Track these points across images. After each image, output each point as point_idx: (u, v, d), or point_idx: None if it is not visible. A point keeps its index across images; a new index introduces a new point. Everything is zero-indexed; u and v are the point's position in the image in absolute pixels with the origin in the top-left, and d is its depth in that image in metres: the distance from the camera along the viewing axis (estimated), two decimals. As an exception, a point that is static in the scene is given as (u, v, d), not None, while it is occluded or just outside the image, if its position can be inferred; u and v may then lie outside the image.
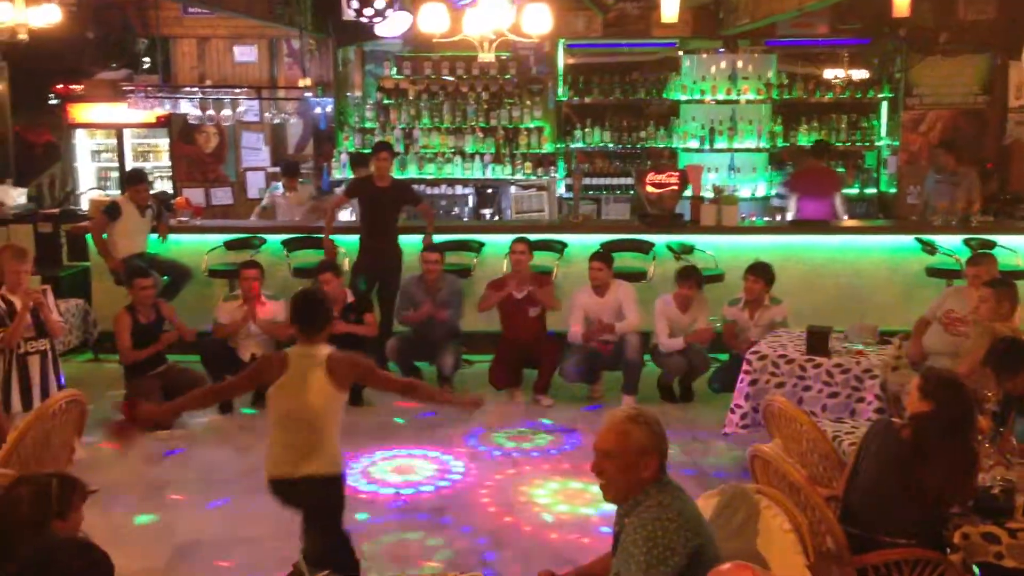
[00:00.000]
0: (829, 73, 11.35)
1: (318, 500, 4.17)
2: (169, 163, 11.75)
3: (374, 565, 4.93)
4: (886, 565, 3.49)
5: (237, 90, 10.46)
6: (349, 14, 7.79)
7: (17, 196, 10.69)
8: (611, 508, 3.26)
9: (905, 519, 3.54)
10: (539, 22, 5.93)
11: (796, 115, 11.30)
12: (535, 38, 6.18)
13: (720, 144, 11.16)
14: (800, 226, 9.27)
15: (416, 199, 8.74)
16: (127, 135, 11.84)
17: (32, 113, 12.26)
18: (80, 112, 11.66)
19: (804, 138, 11.19)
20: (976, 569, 3.84)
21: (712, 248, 8.84)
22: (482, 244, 8.91)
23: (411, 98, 11.12)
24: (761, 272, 7.05)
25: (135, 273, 7.39)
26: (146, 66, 11.73)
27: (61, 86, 11.98)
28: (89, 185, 11.96)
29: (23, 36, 8.88)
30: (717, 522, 3.28)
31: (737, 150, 11.15)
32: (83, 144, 12.09)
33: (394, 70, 11.13)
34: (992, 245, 8.25)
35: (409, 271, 8.33)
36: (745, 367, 6.10)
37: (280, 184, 10.03)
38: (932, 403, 3.61)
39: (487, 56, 6.00)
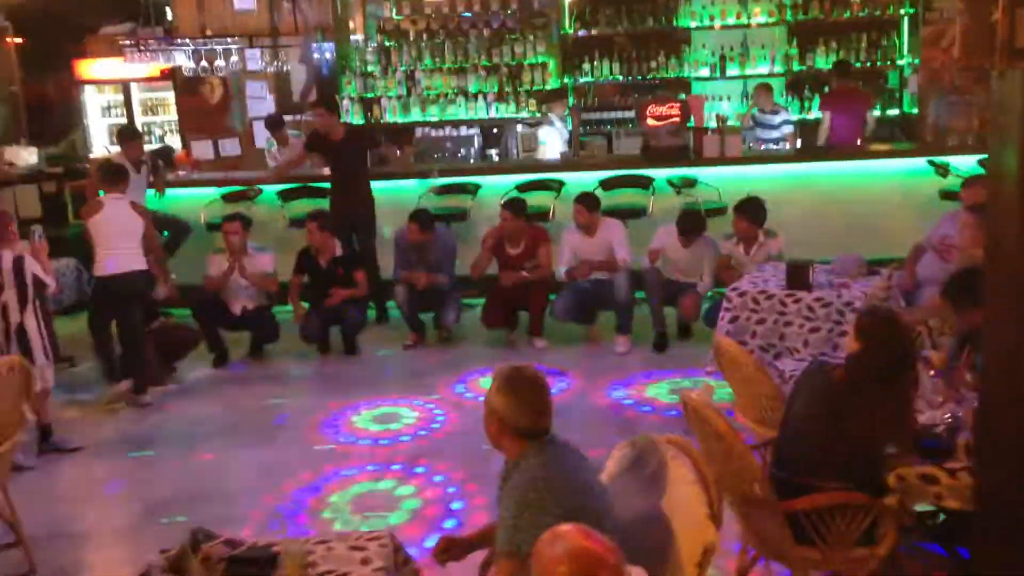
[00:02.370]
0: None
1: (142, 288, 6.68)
2: (179, 116, 11.73)
3: (338, 515, 4.94)
4: (817, 511, 3.35)
5: (231, 40, 10.33)
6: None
7: (28, 156, 10.79)
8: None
9: (837, 463, 3.39)
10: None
11: (813, 37, 10.85)
12: None
13: (733, 71, 10.80)
14: (806, 153, 8.95)
15: (373, 144, 8.56)
16: (135, 90, 11.85)
17: (43, 72, 12.33)
18: (87, 69, 11.67)
19: (822, 61, 10.75)
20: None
21: (716, 180, 8.57)
22: (478, 187, 8.76)
23: (412, 39, 10.91)
24: (746, 210, 6.82)
25: None
26: (151, 20, 11.64)
27: (70, 43, 12.00)
28: (103, 142, 12.02)
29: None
30: (628, 476, 3.18)
31: (750, 76, 10.78)
32: (94, 101, 12.13)
33: (393, 10, 10.93)
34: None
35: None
36: (725, 304, 5.94)
37: (273, 140, 9.93)
38: (864, 343, 3.43)
39: None
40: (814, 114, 10.48)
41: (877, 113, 10.63)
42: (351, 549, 3.07)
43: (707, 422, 3.40)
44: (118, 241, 6.55)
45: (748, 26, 10.68)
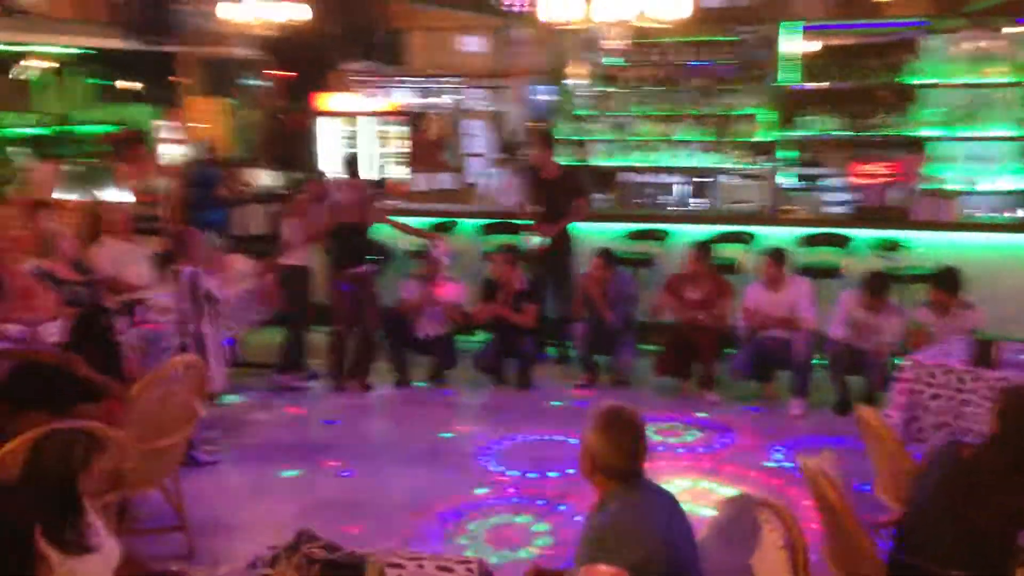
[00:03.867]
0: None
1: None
2: (406, 149, 12.42)
3: (473, 543, 5.06)
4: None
5: (451, 79, 10.89)
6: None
7: (266, 178, 11.77)
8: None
9: (961, 551, 3.13)
10: (673, 6, 5.71)
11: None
12: (667, 23, 5.95)
13: (964, 132, 10.16)
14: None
15: (577, 193, 8.48)
16: (371, 123, 12.67)
17: (292, 101, 13.46)
18: (326, 101, 12.61)
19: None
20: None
21: (929, 245, 8.09)
22: (670, 234, 8.73)
23: (627, 85, 11.05)
24: (940, 279, 6.39)
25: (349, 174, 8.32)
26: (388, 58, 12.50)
27: (316, 76, 13.05)
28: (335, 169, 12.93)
29: (270, 31, 9.81)
30: (724, 533, 3.11)
31: (983, 139, 10.09)
32: (332, 131, 13.06)
33: (613, 58, 11.10)
34: None
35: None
36: (900, 374, 5.59)
37: (496, 170, 10.35)
38: (1003, 424, 3.16)
39: (614, 43, 5.87)
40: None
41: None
42: (439, 569, 3.18)
43: (819, 491, 3.25)
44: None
45: (984, 86, 10.02)
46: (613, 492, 2.94)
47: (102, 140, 14.40)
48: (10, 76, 13.64)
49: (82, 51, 13.28)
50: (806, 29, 10.80)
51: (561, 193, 8.26)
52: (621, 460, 2.94)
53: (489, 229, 9.09)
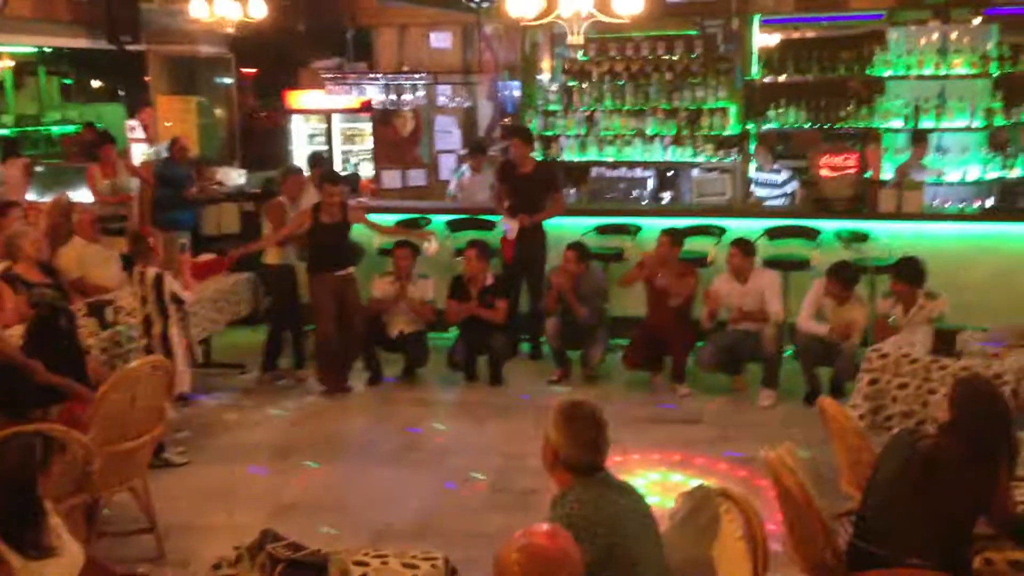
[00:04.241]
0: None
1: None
2: (374, 146, 12.38)
3: (442, 541, 5.06)
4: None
5: (419, 76, 10.86)
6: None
7: (237, 177, 11.70)
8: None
9: (918, 538, 3.18)
10: (628, 2, 5.75)
11: (1020, 91, 10.16)
12: (625, 19, 5.99)
13: (927, 123, 10.28)
14: (996, 214, 8.40)
15: (553, 188, 8.51)
16: (336, 120, 12.61)
17: (261, 100, 13.39)
18: (296, 99, 12.55)
19: (1029, 116, 10.07)
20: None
21: (891, 237, 8.17)
22: (639, 228, 8.76)
23: (595, 80, 11.08)
24: (902, 270, 6.47)
25: (327, 179, 7.97)
26: (355, 55, 12.46)
27: (285, 76, 13.00)
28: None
29: (229, 30, 9.73)
30: (684, 525, 3.14)
31: (946, 130, 10.22)
32: (301, 129, 12.99)
33: (580, 52, 11.12)
34: None
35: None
36: (865, 365, 5.66)
37: (466, 167, 10.33)
38: (956, 414, 3.21)
39: (577, 39, 5.90)
40: (1017, 172, 9.85)
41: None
42: (404, 566, 3.19)
43: (779, 482, 3.29)
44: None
45: (947, 77, 10.14)
46: (573, 485, 2.96)
47: (69, 140, 14.28)
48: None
49: (41, 51, 13.14)
50: (771, 23, 10.91)
51: (536, 188, 8.29)
52: (582, 454, 2.96)
53: (459, 225, 9.09)
